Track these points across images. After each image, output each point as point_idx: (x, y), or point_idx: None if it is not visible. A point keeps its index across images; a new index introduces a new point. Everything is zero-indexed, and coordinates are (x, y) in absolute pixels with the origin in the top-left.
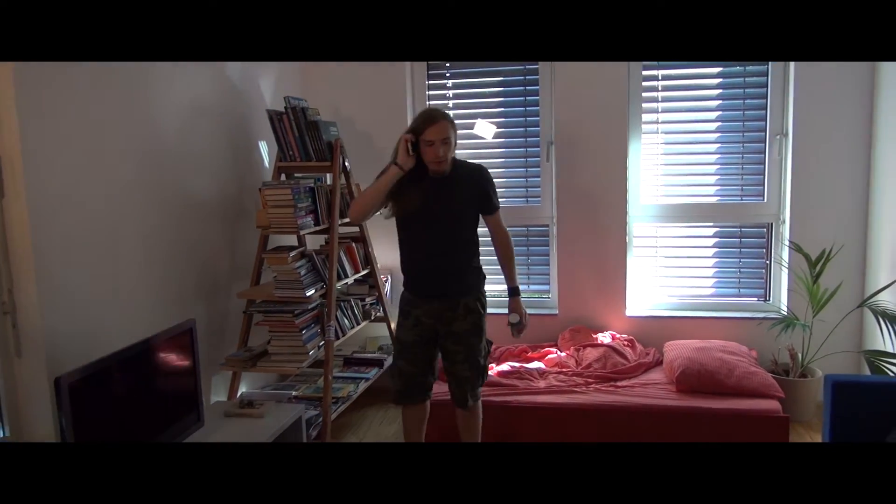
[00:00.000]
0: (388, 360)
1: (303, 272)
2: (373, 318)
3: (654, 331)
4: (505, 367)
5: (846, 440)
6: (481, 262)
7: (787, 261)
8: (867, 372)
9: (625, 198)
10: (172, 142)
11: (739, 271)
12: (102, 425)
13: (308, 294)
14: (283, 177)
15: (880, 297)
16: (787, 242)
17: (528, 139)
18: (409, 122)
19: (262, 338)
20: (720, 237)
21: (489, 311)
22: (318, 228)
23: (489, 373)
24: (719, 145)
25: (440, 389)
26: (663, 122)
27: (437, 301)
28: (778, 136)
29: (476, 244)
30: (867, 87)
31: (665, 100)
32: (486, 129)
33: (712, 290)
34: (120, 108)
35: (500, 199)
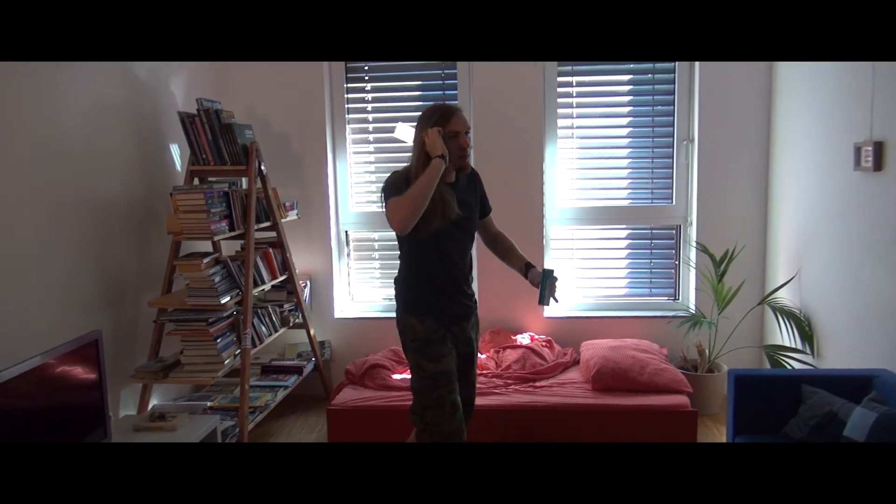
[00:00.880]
0: (308, 367)
1: (217, 279)
2: (291, 324)
3: (572, 331)
4: None
5: (748, 431)
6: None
7: (694, 261)
8: (768, 366)
9: (542, 201)
10: (75, 143)
11: (651, 272)
12: None
13: (223, 301)
14: (195, 181)
15: (778, 294)
16: (694, 243)
17: None
18: (329, 124)
19: (174, 348)
20: (632, 239)
21: None
22: (233, 234)
23: None
24: (631, 150)
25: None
26: (578, 127)
27: (464, 321)
28: (685, 142)
29: None
30: (765, 94)
31: (580, 105)
32: (407, 133)
33: (625, 291)
34: (19, 106)
35: None
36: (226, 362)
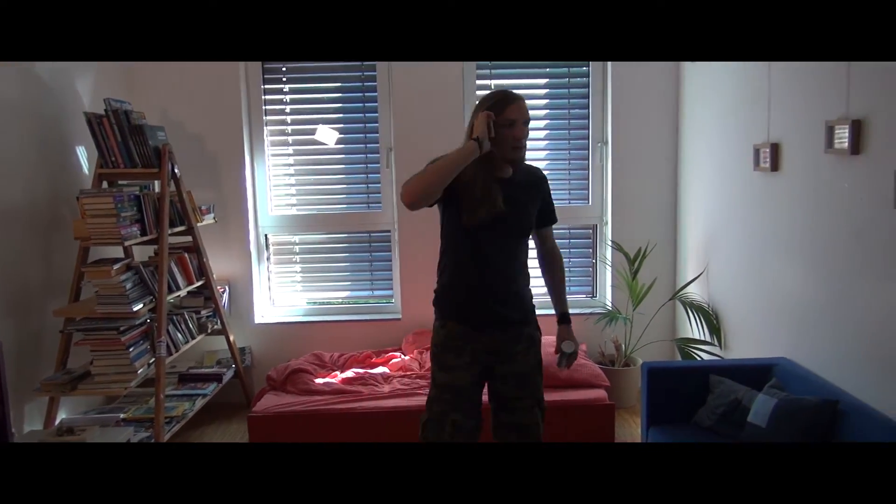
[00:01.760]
0: (228, 374)
1: (129, 286)
2: (210, 331)
3: None
4: (349, 373)
5: (662, 422)
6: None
7: (609, 259)
8: (680, 358)
9: None
10: None
11: (570, 270)
12: None
13: (135, 309)
14: (104, 184)
15: (688, 289)
16: (609, 242)
17: (368, 145)
18: (246, 125)
19: (83, 358)
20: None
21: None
22: (145, 239)
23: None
24: (548, 152)
25: None
26: None
27: (500, 332)
28: (599, 143)
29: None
30: (673, 97)
31: None
32: (327, 135)
33: (546, 289)
34: None
35: (340, 207)
36: (139, 372)
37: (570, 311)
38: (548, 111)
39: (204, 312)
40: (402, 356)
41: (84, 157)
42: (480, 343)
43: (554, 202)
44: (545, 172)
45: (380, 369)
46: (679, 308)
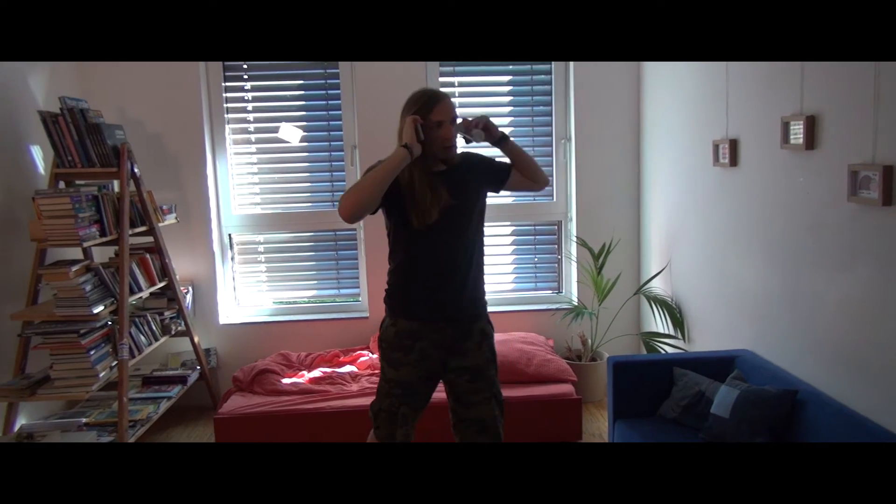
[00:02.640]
0: (193, 376)
1: (88, 288)
2: (174, 332)
3: None
4: (317, 372)
5: (627, 415)
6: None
7: (575, 255)
8: (645, 352)
9: None
10: None
11: (535, 266)
12: None
13: (95, 311)
14: (61, 184)
15: (652, 284)
16: (574, 238)
17: (332, 143)
18: (207, 124)
19: (42, 362)
20: (517, 235)
21: None
22: (104, 240)
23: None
24: None
25: None
26: None
27: (451, 327)
28: (563, 140)
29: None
30: (634, 93)
31: (462, 105)
32: (291, 134)
33: (512, 286)
34: None
35: (305, 205)
36: (101, 375)
37: (537, 306)
38: (511, 108)
39: (167, 314)
40: (370, 354)
41: (39, 156)
42: (430, 339)
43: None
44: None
45: (347, 368)
46: (643, 302)
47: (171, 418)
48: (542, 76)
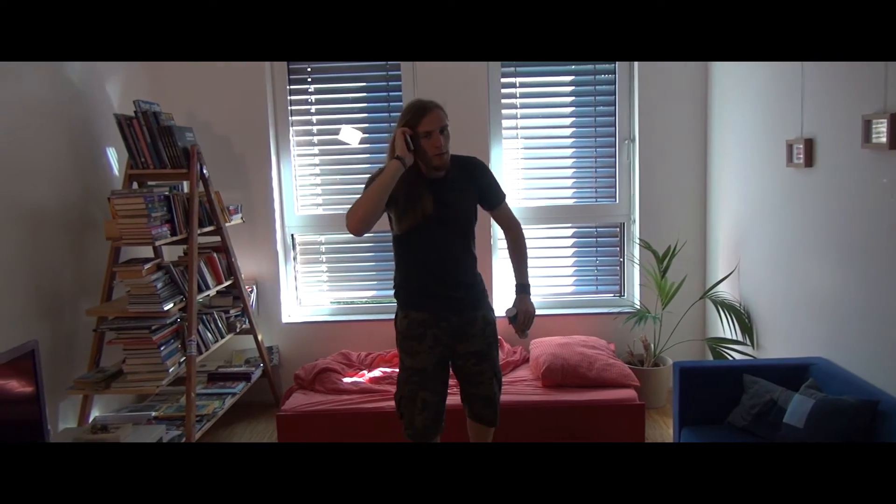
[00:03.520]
0: (256, 373)
1: (159, 285)
2: (238, 330)
3: None
4: (376, 372)
5: (694, 422)
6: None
7: (637, 258)
8: (711, 358)
9: None
10: (1, 147)
11: (596, 269)
12: None
13: (166, 308)
14: (134, 185)
15: (719, 288)
16: (637, 240)
17: None
18: (272, 126)
19: (115, 357)
20: (578, 237)
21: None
22: (175, 239)
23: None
24: (574, 150)
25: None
26: (522, 128)
27: (456, 317)
28: (626, 141)
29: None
30: (702, 93)
31: (523, 105)
32: (351, 136)
33: (572, 289)
34: None
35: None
36: (170, 370)
37: (598, 310)
38: (573, 108)
39: (232, 312)
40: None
41: (114, 158)
42: (439, 328)
43: (498, 181)
44: (571, 171)
45: None
46: (709, 307)
47: (235, 414)
48: (606, 75)
